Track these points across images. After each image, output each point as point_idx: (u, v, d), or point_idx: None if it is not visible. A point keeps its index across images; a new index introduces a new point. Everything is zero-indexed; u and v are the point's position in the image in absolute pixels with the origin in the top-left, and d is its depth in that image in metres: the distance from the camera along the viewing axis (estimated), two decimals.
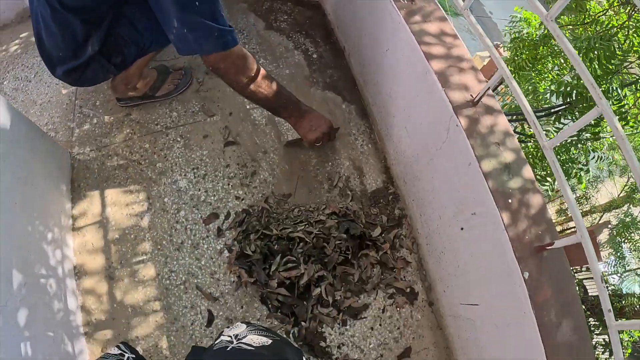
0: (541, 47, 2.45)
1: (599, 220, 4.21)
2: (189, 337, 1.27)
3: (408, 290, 1.38)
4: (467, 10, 0.92)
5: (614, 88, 1.80)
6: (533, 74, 2.40)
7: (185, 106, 1.59)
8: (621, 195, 3.85)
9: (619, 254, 3.33)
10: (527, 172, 0.96)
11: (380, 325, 1.34)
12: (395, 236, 1.42)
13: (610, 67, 1.93)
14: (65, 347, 1.14)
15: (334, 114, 1.61)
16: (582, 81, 2.06)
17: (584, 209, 4.45)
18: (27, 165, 1.18)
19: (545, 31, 2.50)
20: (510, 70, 2.86)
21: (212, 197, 1.44)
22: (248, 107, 1.60)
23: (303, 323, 1.29)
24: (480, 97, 0.96)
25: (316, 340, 1.29)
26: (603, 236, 3.66)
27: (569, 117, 2.02)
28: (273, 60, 1.69)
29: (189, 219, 1.41)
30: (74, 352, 1.17)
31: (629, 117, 2.37)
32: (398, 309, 1.36)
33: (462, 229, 1.07)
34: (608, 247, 3.43)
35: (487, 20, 9.07)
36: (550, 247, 0.85)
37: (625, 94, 1.92)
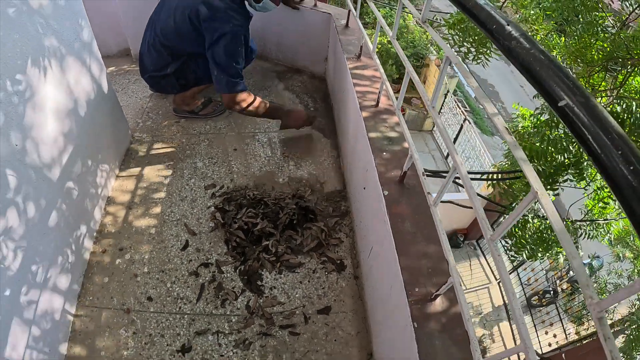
0: (538, 143, 2.80)
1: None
2: (166, 255, 1.72)
3: (338, 262, 1.75)
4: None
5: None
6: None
7: (216, 124, 2.33)
8: None
9: None
10: (405, 144, 1.46)
11: (308, 281, 1.69)
12: (336, 222, 1.86)
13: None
14: (78, 236, 1.61)
15: (315, 145, 2.24)
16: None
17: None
18: (106, 127, 1.88)
19: (536, 121, 2.85)
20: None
21: (215, 175, 2.04)
22: (251, 133, 2.29)
23: (249, 262, 1.70)
24: (378, 100, 1.56)
25: (255, 278, 1.67)
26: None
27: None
28: None
29: (195, 184, 1.99)
30: (82, 243, 1.64)
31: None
32: (327, 273, 1.72)
33: (364, 188, 1.54)
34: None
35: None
36: None
37: None
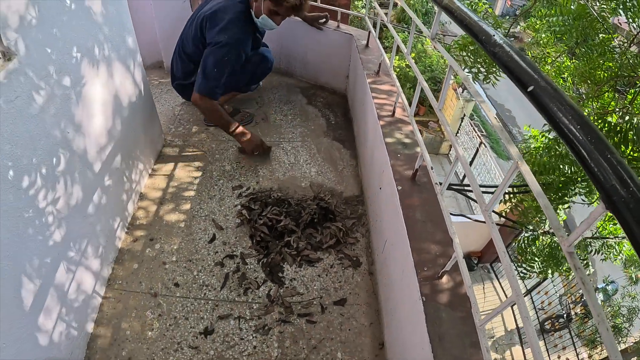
0: (545, 158, 2.84)
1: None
2: (194, 246, 1.86)
3: (355, 258, 1.86)
4: None
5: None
6: None
7: None
8: None
9: None
10: (417, 149, 1.60)
11: (326, 275, 1.80)
12: (353, 224, 1.98)
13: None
14: (112, 225, 1.77)
15: (334, 154, 2.39)
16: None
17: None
18: (143, 128, 2.07)
19: (548, 141, 2.90)
20: None
21: (242, 177, 2.20)
22: (276, 142, 2.47)
23: (271, 255, 1.82)
24: (394, 111, 1.71)
25: (276, 270, 1.79)
26: None
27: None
28: (305, 120, 2.63)
29: (223, 185, 2.15)
30: (115, 232, 1.79)
31: None
32: (343, 268, 1.83)
33: (380, 188, 1.67)
34: None
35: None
36: None
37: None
